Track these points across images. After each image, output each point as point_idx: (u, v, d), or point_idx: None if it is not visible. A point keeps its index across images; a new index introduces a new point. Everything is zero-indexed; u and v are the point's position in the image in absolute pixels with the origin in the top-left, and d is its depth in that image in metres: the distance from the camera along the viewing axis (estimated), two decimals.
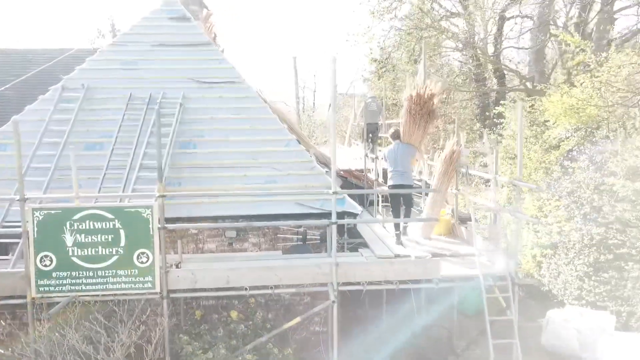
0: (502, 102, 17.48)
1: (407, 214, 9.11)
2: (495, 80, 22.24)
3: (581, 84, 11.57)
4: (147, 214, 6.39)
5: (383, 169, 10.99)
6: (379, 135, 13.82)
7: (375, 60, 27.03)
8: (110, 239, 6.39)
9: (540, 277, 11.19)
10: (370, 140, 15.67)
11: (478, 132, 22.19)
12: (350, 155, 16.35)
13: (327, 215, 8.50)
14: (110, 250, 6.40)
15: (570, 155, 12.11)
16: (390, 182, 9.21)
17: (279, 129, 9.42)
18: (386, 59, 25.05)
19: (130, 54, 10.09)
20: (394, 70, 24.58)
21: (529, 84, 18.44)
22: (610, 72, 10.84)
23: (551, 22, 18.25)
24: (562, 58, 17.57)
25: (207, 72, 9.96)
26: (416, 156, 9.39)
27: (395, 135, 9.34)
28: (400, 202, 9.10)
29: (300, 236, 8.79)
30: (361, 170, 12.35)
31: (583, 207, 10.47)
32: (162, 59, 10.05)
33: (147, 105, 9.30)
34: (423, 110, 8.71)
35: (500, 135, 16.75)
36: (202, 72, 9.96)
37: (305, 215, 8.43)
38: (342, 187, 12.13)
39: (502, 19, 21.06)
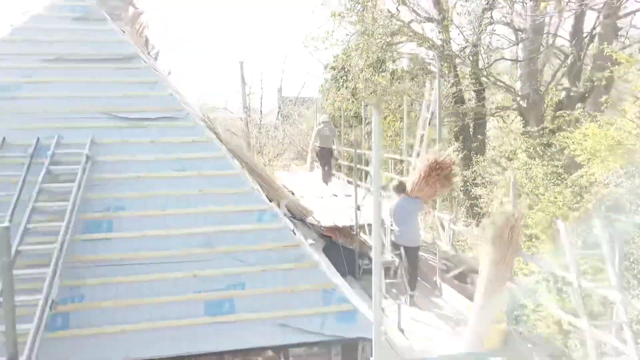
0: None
1: (413, 277, 8.30)
2: (473, 94, 19.64)
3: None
4: None
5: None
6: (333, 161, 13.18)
7: (334, 68, 24.41)
8: None
9: (568, 349, 8.78)
10: (324, 167, 13.44)
11: (456, 152, 19.62)
12: (313, 184, 13.42)
13: (328, 343, 5.37)
14: None
15: (618, 205, 9.46)
16: (398, 242, 8.32)
17: (246, 192, 6.10)
18: (347, 67, 22.28)
19: (8, 73, 6.46)
20: (352, 79, 21.99)
21: (522, 103, 15.86)
22: None
23: (546, 32, 15.74)
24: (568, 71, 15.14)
25: (132, 103, 6.48)
26: (424, 209, 8.71)
27: (401, 189, 8.44)
28: (412, 265, 8.28)
29: None
30: (351, 227, 9.17)
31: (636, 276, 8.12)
32: (60, 82, 6.48)
33: (32, 158, 5.78)
34: (440, 176, 8.26)
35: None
36: (124, 102, 6.47)
37: (294, 346, 5.26)
38: (324, 250, 9.08)
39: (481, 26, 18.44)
